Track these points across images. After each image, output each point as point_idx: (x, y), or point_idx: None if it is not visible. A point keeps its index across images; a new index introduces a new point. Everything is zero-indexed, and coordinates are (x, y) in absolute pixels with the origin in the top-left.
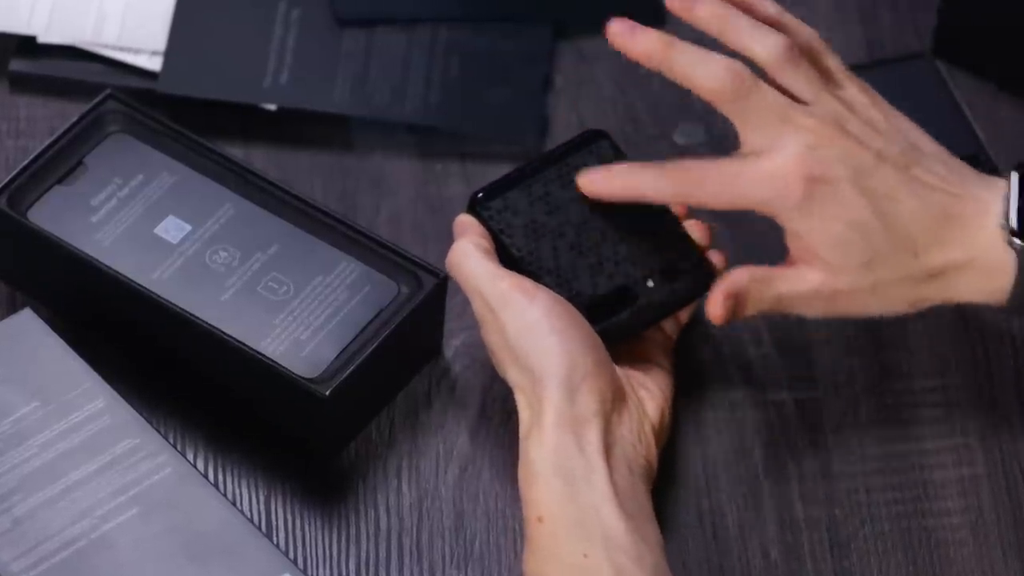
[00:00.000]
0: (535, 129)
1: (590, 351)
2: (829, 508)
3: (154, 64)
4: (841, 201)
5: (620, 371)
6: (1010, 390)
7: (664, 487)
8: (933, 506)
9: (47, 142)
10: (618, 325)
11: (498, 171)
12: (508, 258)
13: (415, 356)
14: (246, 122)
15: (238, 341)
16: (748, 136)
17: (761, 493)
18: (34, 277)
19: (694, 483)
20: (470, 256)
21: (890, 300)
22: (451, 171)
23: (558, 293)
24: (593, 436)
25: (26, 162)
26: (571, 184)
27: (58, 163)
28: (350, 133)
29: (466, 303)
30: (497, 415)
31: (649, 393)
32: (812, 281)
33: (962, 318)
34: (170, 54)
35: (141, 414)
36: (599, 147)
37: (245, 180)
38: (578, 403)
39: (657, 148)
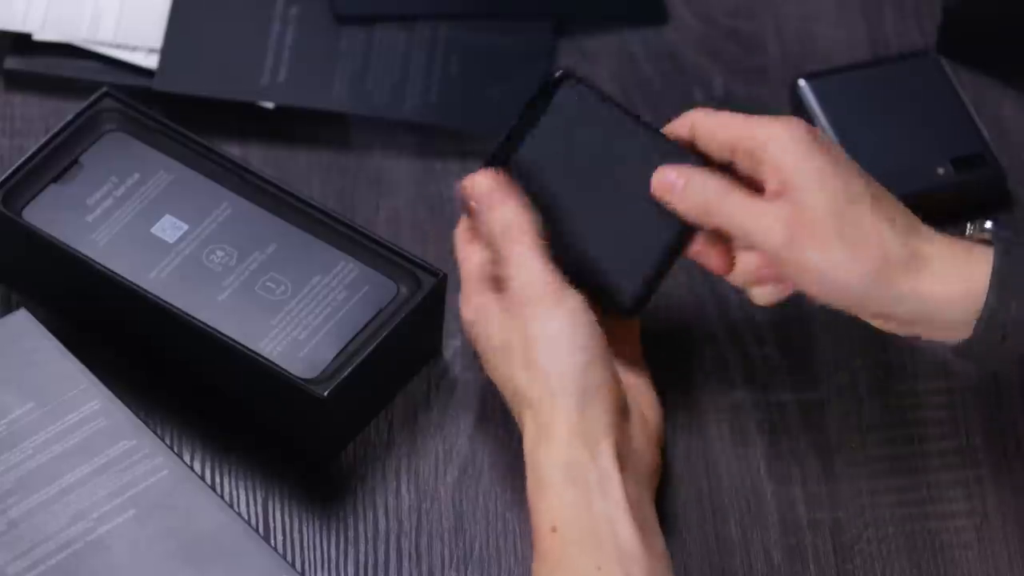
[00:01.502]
0: None
1: (602, 365)
2: (832, 511)
3: (150, 62)
4: (835, 157)
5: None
6: (1015, 390)
7: (666, 490)
8: (937, 508)
9: (43, 140)
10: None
11: None
12: None
13: (414, 357)
14: (243, 120)
15: (235, 341)
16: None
17: (764, 496)
18: (29, 277)
19: (696, 486)
20: (527, 236)
21: (855, 269)
22: (451, 170)
23: (572, 249)
24: (606, 447)
25: (21, 160)
26: (556, 143)
27: (54, 161)
28: (349, 131)
29: None
30: (497, 416)
31: (644, 395)
32: (775, 213)
33: None
34: (166, 51)
35: (138, 415)
36: (578, 91)
37: (242, 179)
38: (589, 418)
39: None
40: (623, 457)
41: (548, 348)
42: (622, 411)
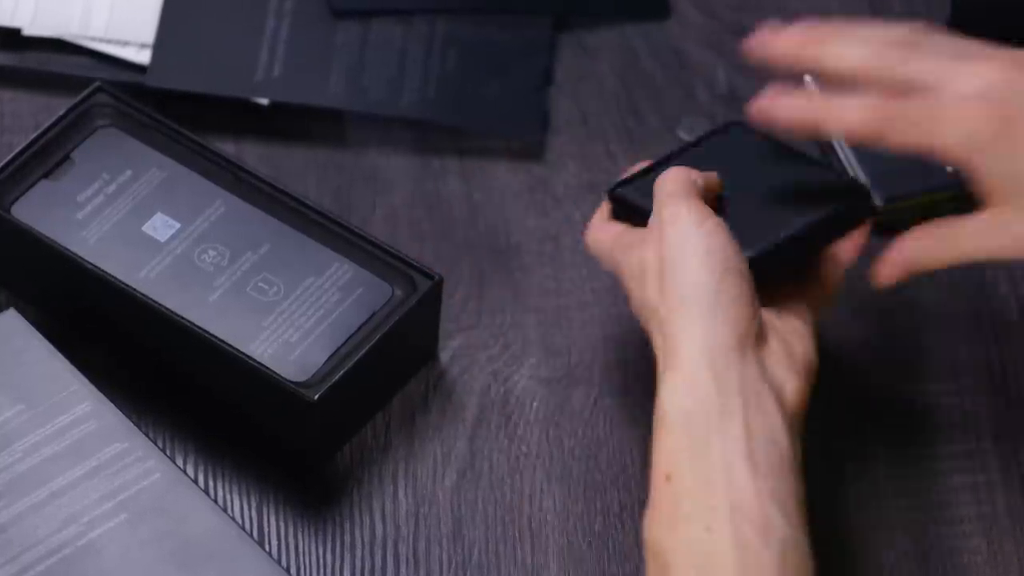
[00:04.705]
0: (535, 124)
1: (740, 282)
2: (839, 515)
3: (143, 57)
4: None
5: (767, 315)
6: None
7: None
8: (947, 513)
9: (34, 135)
10: (784, 249)
11: (497, 167)
12: None
13: (409, 360)
14: (237, 117)
15: (225, 343)
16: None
17: None
18: (18, 275)
19: None
20: (682, 177)
21: None
22: (449, 167)
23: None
24: (733, 372)
25: (12, 155)
26: (710, 165)
27: (44, 157)
28: (345, 128)
29: (464, 303)
30: (496, 418)
31: (796, 334)
32: (1012, 227)
33: (977, 319)
34: (159, 47)
35: (129, 418)
36: (737, 133)
37: (236, 177)
38: (717, 329)
39: (660, 143)
40: (755, 378)
41: (684, 262)
42: (756, 335)
